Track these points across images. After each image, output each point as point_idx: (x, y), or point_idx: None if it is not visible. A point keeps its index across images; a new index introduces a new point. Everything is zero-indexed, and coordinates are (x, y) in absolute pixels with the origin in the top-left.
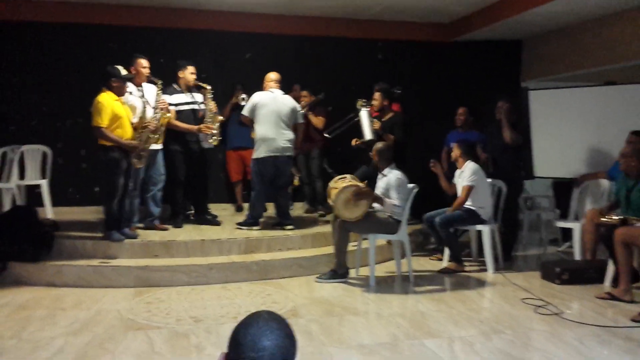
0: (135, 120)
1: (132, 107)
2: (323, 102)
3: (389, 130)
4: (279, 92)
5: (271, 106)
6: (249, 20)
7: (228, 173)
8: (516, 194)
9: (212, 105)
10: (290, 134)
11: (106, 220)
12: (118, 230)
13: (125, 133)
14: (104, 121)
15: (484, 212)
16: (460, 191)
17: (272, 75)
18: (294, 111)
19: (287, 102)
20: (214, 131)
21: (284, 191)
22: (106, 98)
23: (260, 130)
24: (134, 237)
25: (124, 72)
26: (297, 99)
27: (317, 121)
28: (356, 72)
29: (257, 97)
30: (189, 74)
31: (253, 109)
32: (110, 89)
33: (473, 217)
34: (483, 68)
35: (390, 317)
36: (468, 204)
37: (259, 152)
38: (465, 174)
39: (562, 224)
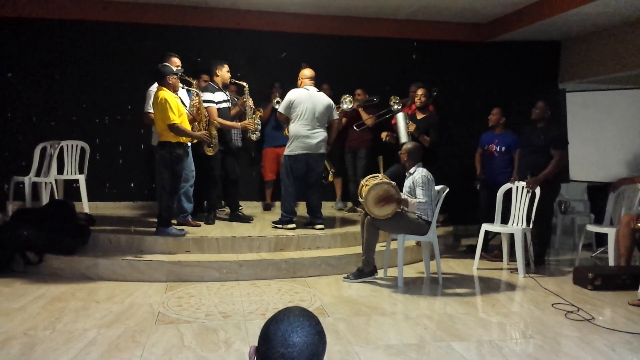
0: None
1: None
2: (375, 106)
3: (425, 132)
4: (314, 90)
5: (307, 104)
6: (282, 19)
7: (262, 171)
8: (551, 196)
9: (250, 101)
10: (324, 133)
11: (165, 216)
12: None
13: (187, 127)
14: (177, 117)
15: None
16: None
17: (307, 72)
18: (328, 108)
19: (322, 100)
20: (257, 126)
21: (315, 188)
22: (169, 94)
23: (295, 127)
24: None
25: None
26: None
27: (370, 120)
28: (390, 72)
29: (294, 94)
30: (225, 72)
31: (289, 106)
32: (167, 86)
33: None
34: (520, 69)
35: (417, 318)
36: None
37: (292, 149)
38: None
39: (596, 228)
